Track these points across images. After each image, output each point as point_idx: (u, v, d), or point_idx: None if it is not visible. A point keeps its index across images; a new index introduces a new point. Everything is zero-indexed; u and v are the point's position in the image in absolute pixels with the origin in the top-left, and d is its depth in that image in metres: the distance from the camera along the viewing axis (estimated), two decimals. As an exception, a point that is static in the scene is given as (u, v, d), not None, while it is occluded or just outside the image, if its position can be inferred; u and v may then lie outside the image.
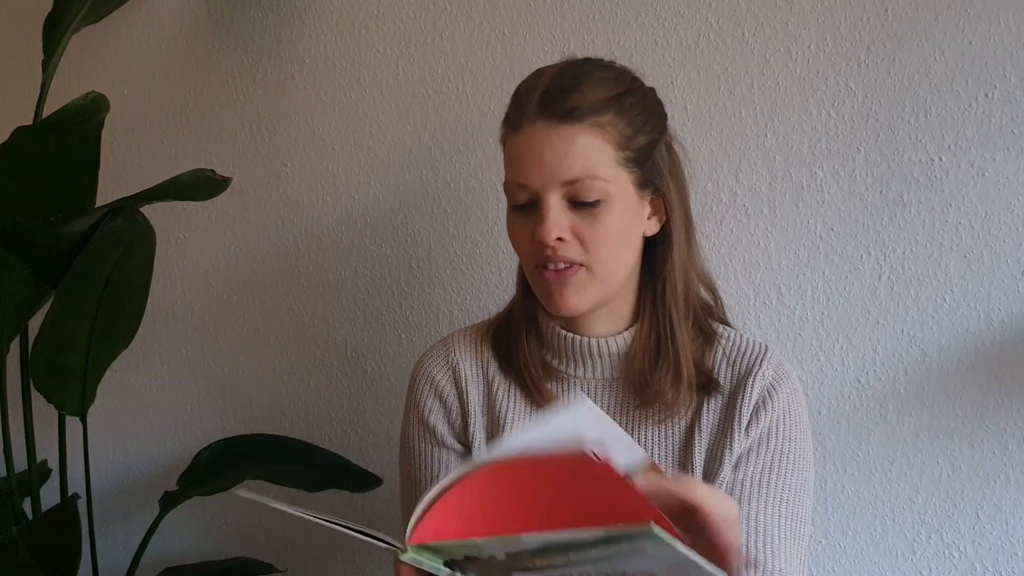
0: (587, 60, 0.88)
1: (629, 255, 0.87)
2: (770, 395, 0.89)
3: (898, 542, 1.16)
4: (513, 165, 0.86)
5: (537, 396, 0.93)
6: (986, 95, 1.06)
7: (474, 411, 0.95)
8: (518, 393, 0.94)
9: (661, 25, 1.17)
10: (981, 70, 1.05)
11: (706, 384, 0.90)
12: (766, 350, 0.91)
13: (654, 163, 0.87)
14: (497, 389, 0.95)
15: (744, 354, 0.91)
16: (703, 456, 0.89)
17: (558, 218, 0.83)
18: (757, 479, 0.87)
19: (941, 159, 1.08)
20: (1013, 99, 1.05)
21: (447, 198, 1.33)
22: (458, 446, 0.96)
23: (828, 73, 1.11)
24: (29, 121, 1.23)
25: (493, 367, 0.96)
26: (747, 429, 0.88)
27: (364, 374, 1.43)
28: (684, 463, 0.89)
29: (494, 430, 0.94)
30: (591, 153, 0.82)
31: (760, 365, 0.90)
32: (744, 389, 0.89)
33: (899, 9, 1.08)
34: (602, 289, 0.86)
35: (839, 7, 1.10)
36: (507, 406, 0.94)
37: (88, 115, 1.14)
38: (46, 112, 1.22)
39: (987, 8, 1.04)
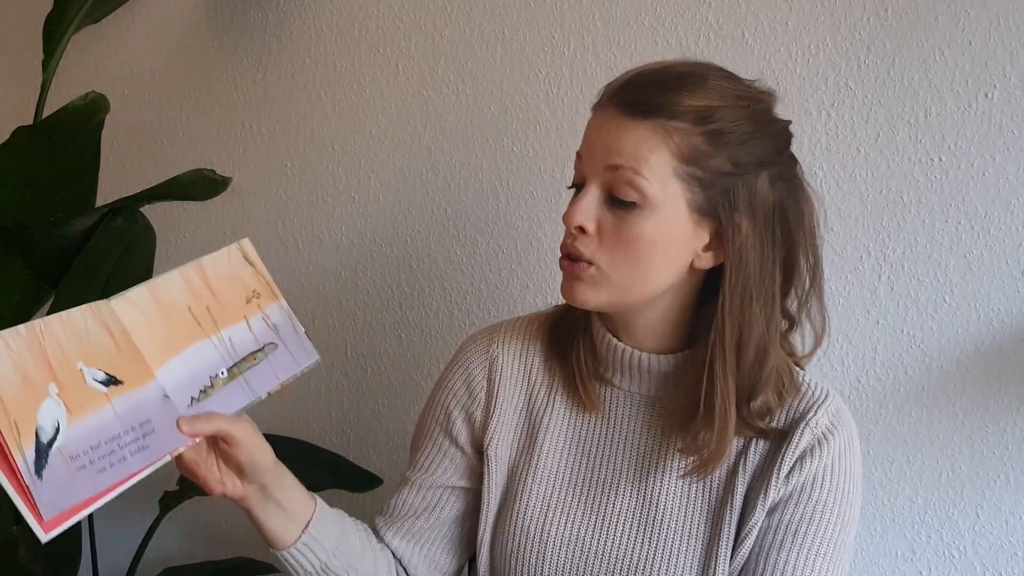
0: (700, 64, 0.82)
1: (657, 274, 0.80)
2: (820, 444, 0.83)
3: (898, 542, 1.16)
4: (583, 138, 0.83)
5: (583, 394, 0.88)
6: (986, 95, 1.06)
7: (501, 407, 0.91)
8: (559, 393, 0.91)
9: (661, 25, 1.17)
10: (981, 70, 1.05)
11: (759, 433, 0.84)
12: (826, 396, 0.85)
13: (733, 194, 0.78)
14: (539, 390, 0.92)
15: (802, 397, 0.85)
16: (742, 497, 0.84)
17: (588, 206, 0.79)
18: (794, 528, 0.82)
19: (941, 159, 1.08)
20: (1013, 99, 1.05)
21: (447, 198, 1.33)
22: (463, 444, 0.93)
23: (828, 73, 1.11)
24: (29, 121, 1.23)
25: (538, 365, 0.92)
26: (787, 476, 0.83)
27: (364, 374, 1.43)
28: (724, 500, 0.85)
29: (531, 431, 0.91)
30: (643, 148, 0.76)
31: (815, 412, 0.84)
32: (792, 435, 0.83)
33: (899, 9, 1.08)
34: (617, 295, 0.81)
35: (839, 7, 1.10)
36: (547, 411, 0.91)
37: (88, 115, 1.14)
38: (46, 112, 1.22)
39: (987, 8, 1.04)
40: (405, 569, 0.94)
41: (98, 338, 0.69)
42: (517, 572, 0.88)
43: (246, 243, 0.83)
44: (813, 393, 0.86)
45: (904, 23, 1.08)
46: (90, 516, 1.38)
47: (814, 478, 0.83)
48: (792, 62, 1.12)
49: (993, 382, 1.10)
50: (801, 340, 0.89)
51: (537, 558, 0.87)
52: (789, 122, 0.85)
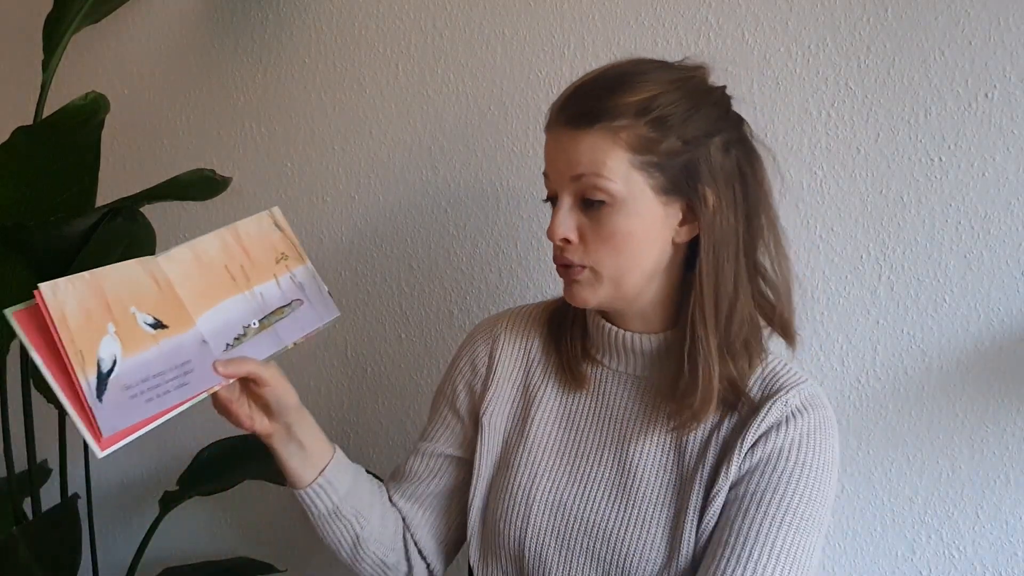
0: (630, 62, 0.87)
1: (642, 260, 0.85)
2: (787, 421, 0.85)
3: (898, 542, 1.16)
4: (545, 158, 0.89)
5: (571, 378, 0.95)
6: (986, 95, 1.06)
7: (498, 381, 0.98)
8: (554, 373, 0.97)
9: (661, 25, 1.17)
10: (981, 70, 1.05)
11: (735, 403, 0.87)
12: (802, 381, 0.88)
13: (691, 168, 0.83)
14: (536, 369, 0.98)
15: (778, 378, 0.88)
16: (711, 468, 0.87)
17: (565, 218, 0.85)
18: (758, 497, 0.84)
19: (941, 159, 1.08)
20: (1013, 99, 1.05)
21: (447, 198, 1.33)
22: (463, 416, 1.00)
23: (828, 73, 1.11)
24: (29, 121, 1.23)
25: (536, 348, 0.99)
26: (751, 449, 0.85)
27: (364, 374, 1.43)
28: (694, 472, 0.87)
29: (526, 406, 0.97)
30: (598, 153, 0.82)
31: (787, 392, 0.86)
32: (760, 410, 0.86)
33: (899, 9, 1.08)
34: (613, 289, 0.86)
35: (839, 7, 1.10)
36: (542, 388, 0.97)
37: (88, 115, 1.14)
38: (46, 112, 1.22)
39: (987, 8, 1.04)
40: (409, 529, 1.00)
41: (148, 287, 0.79)
42: (504, 534, 0.93)
43: (276, 211, 0.93)
44: (790, 377, 0.88)
45: (904, 23, 1.08)
46: (90, 516, 1.39)
47: (779, 451, 0.85)
48: (792, 62, 1.12)
49: (993, 382, 1.10)
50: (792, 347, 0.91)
51: (522, 520, 0.92)
52: (724, 87, 0.89)
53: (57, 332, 0.72)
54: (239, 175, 1.43)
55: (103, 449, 0.73)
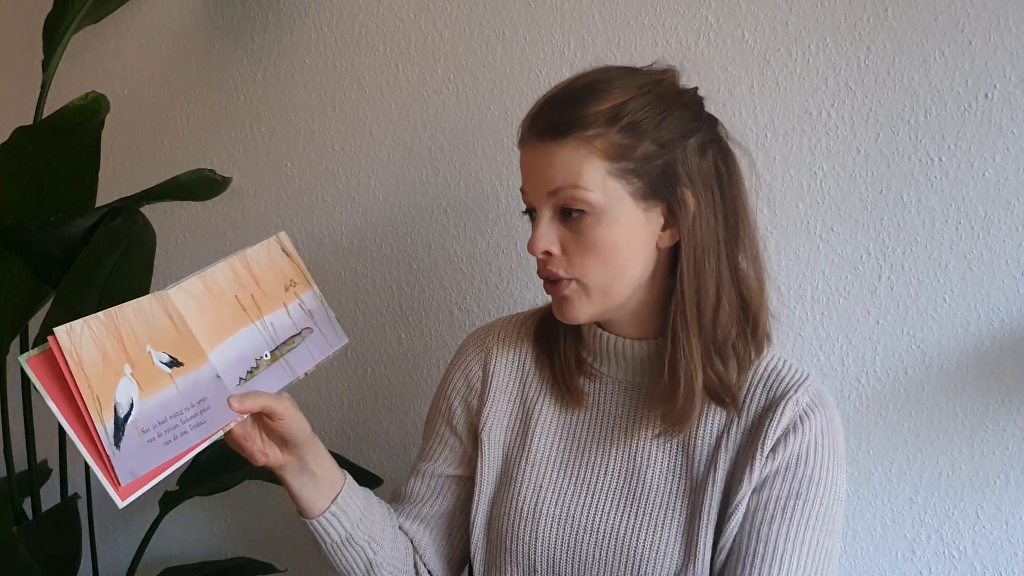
0: (596, 71, 0.86)
1: (628, 269, 0.84)
2: (802, 421, 0.85)
3: (898, 542, 1.16)
4: (521, 173, 0.88)
5: (566, 393, 0.93)
6: (986, 95, 1.06)
7: (495, 395, 0.97)
8: (550, 384, 0.95)
9: (661, 25, 1.17)
10: (981, 70, 1.05)
11: (727, 403, 0.87)
12: (805, 377, 0.88)
13: (669, 171, 0.82)
14: (532, 380, 0.97)
15: (782, 378, 0.88)
16: (725, 474, 0.87)
17: (545, 232, 0.84)
18: (782, 503, 0.84)
19: (941, 159, 1.08)
20: (1013, 99, 1.05)
21: (447, 198, 1.33)
22: (461, 433, 0.99)
23: (828, 73, 1.11)
24: (29, 121, 1.23)
25: (529, 359, 0.98)
26: (772, 452, 0.85)
27: (364, 374, 1.43)
28: (706, 476, 0.87)
29: (525, 419, 0.96)
30: (574, 164, 0.81)
31: (796, 391, 0.86)
32: (774, 412, 0.86)
33: (899, 9, 1.08)
34: (602, 301, 0.85)
35: (839, 7, 1.10)
36: (539, 401, 0.95)
37: (88, 115, 1.14)
38: (46, 112, 1.22)
39: (987, 8, 1.04)
40: (416, 551, 1.00)
41: (162, 324, 0.77)
42: (512, 551, 0.92)
43: (283, 236, 0.91)
44: (792, 374, 0.88)
45: (904, 23, 1.08)
46: (90, 516, 1.39)
47: (799, 454, 0.85)
48: (792, 62, 1.12)
49: (993, 382, 1.10)
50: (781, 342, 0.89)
51: (530, 536, 0.91)
52: (695, 88, 0.89)
53: (73, 379, 0.69)
54: (239, 175, 1.43)
55: (123, 499, 0.70)
